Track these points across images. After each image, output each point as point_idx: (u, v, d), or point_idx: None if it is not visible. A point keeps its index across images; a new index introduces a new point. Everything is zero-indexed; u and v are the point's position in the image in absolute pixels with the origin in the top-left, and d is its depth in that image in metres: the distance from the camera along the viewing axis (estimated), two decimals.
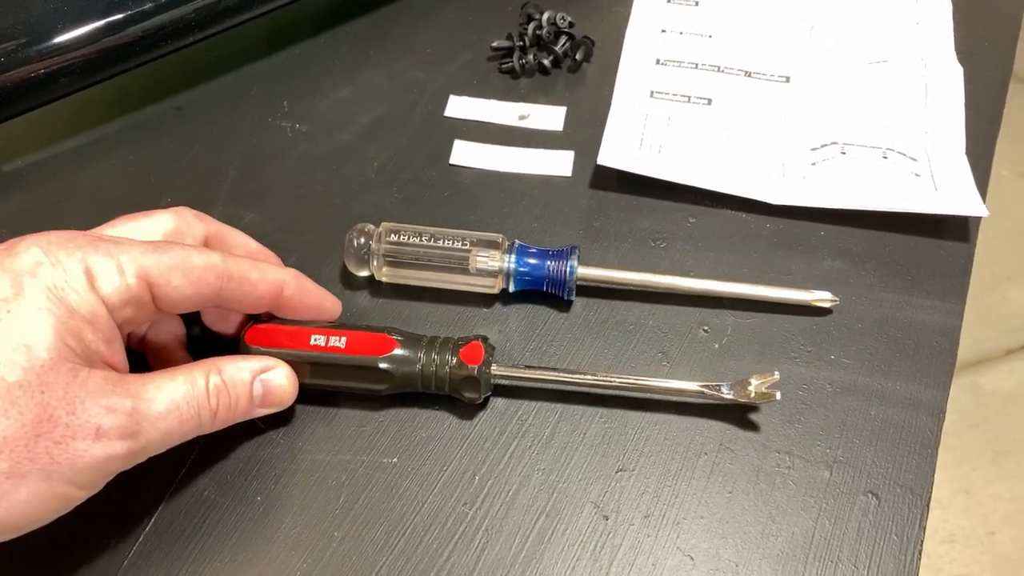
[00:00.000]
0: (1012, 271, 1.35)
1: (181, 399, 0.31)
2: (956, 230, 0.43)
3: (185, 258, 0.32)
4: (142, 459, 0.30)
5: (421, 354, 0.36)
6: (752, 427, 0.37)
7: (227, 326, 0.38)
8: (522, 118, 0.48)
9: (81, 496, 0.29)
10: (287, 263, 0.42)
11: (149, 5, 0.45)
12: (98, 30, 0.44)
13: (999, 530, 1.16)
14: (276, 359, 0.35)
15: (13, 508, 0.27)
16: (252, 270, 0.34)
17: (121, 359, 0.31)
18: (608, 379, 0.36)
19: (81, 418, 0.28)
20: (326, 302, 0.38)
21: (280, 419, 0.37)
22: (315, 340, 0.36)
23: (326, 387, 0.37)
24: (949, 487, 1.17)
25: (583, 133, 0.47)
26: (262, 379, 0.34)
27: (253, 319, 0.38)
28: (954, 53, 0.50)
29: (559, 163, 0.46)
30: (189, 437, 0.32)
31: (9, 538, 0.28)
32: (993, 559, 1.12)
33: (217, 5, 0.47)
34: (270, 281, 0.35)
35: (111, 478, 0.30)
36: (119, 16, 0.45)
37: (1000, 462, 1.22)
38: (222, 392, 0.33)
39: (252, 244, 0.39)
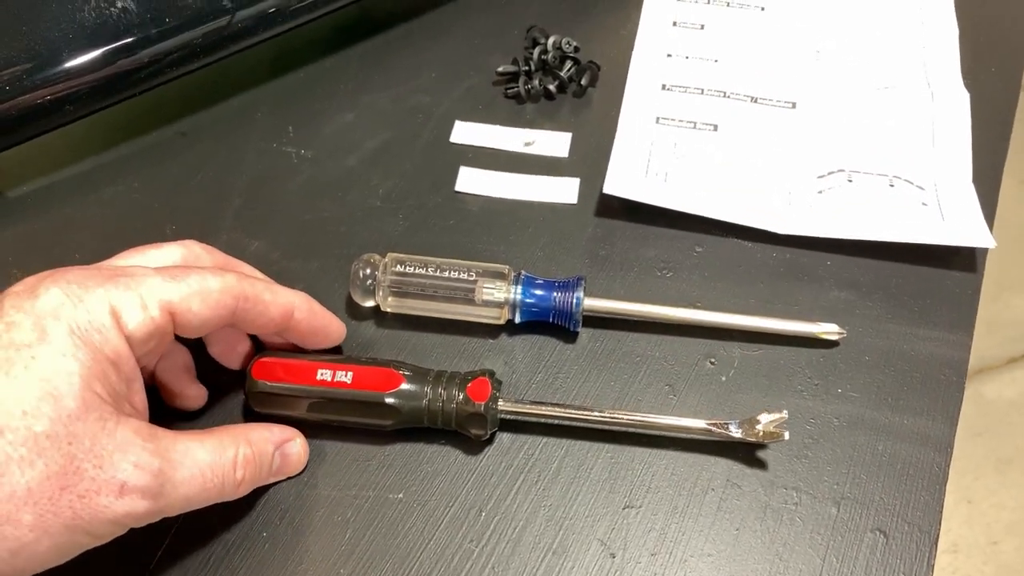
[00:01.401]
0: (1015, 279, 1.35)
1: (207, 467, 0.31)
2: (963, 260, 0.43)
3: (203, 283, 0.32)
4: (157, 519, 0.30)
5: (427, 389, 0.36)
6: (759, 463, 0.37)
7: (233, 358, 0.38)
8: (527, 144, 0.48)
9: (91, 545, 0.29)
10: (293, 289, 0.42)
11: (154, 31, 0.45)
12: (104, 57, 0.44)
13: (1002, 540, 1.16)
14: (293, 430, 0.36)
15: (32, 559, 0.27)
16: (265, 291, 0.34)
17: (141, 398, 0.31)
18: (615, 416, 0.36)
19: (108, 473, 0.28)
20: (333, 325, 0.38)
21: None
22: (321, 375, 0.36)
23: (332, 422, 0.37)
24: (951, 497, 1.16)
25: (589, 159, 0.47)
26: (282, 451, 0.35)
27: (258, 351, 0.38)
28: (960, 78, 0.50)
29: (565, 191, 0.46)
30: (209, 503, 0.32)
31: None
32: (996, 569, 1.12)
33: (223, 31, 0.47)
34: (282, 303, 0.35)
35: (124, 532, 0.29)
36: (124, 42, 0.44)
37: (1003, 471, 1.22)
38: (250, 463, 0.33)
39: (259, 276, 0.39)
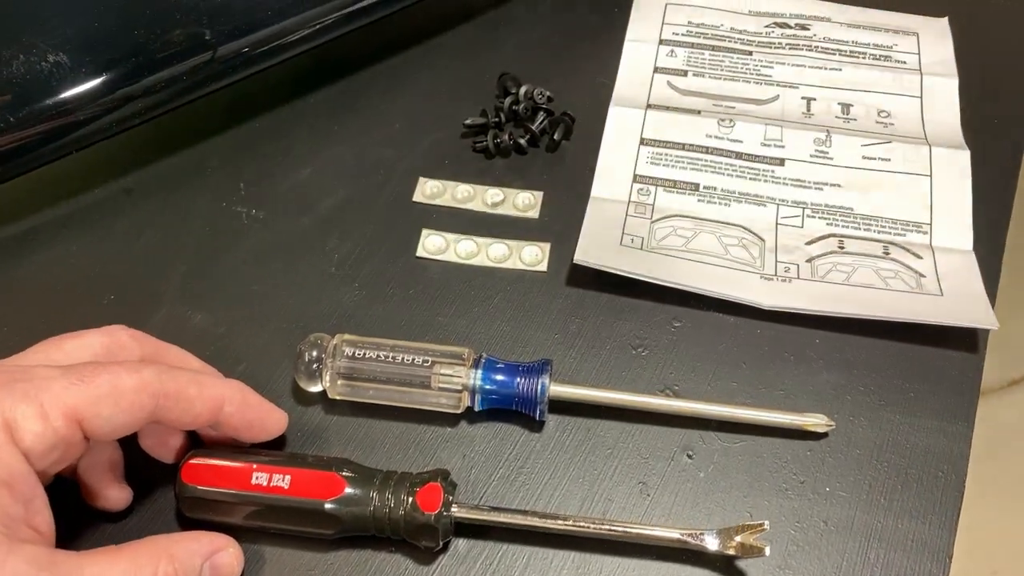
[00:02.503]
0: (1016, 297, 1.31)
1: None
2: (963, 340, 0.39)
3: (114, 384, 0.29)
4: None
5: (374, 494, 0.33)
6: (738, 574, 0.33)
7: (165, 452, 0.35)
8: (495, 205, 0.45)
9: None
10: (236, 370, 0.39)
11: (97, 83, 0.42)
12: (42, 110, 0.41)
13: (1002, 569, 1.13)
14: (224, 537, 0.32)
15: None
16: (190, 385, 0.31)
17: (44, 518, 0.28)
18: (581, 525, 0.33)
19: None
20: (271, 418, 0.35)
21: None
22: (256, 479, 0.33)
23: (269, 530, 0.34)
24: None
25: (561, 221, 0.44)
26: (212, 562, 0.31)
27: (193, 446, 0.35)
28: (961, 133, 0.46)
29: (534, 256, 0.43)
30: None
31: None
32: None
33: (176, 82, 0.43)
34: (208, 397, 0.32)
35: None
36: (67, 95, 0.41)
37: (1004, 497, 1.19)
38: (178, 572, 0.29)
39: (193, 363, 0.35)
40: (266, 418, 0.35)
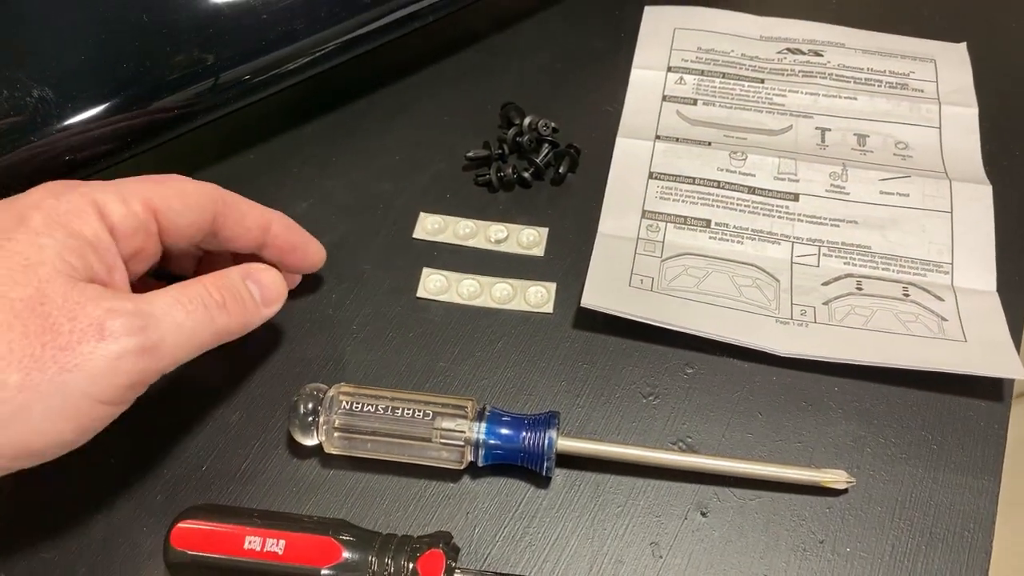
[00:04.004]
0: None
1: (181, 295, 0.31)
2: (988, 388, 0.38)
3: (182, 185, 0.34)
4: (162, 363, 0.30)
5: (372, 558, 0.31)
6: None
7: None
8: (499, 241, 0.43)
9: (104, 413, 0.29)
10: (229, 420, 0.37)
11: (74, 117, 0.40)
12: (27, 143, 0.39)
13: None
14: (258, 263, 0.36)
15: (30, 425, 0.27)
16: (244, 200, 0.36)
17: (124, 288, 0.32)
18: None
19: (83, 322, 0.28)
20: (312, 246, 0.39)
21: None
22: (249, 543, 0.31)
23: None
24: None
25: (566, 259, 0.42)
26: (250, 281, 0.35)
27: (181, 515, 0.33)
28: (981, 166, 0.45)
29: (539, 297, 0.41)
30: (205, 334, 0.32)
31: (36, 463, 0.28)
32: None
33: (169, 112, 0.42)
34: (259, 214, 0.36)
35: (136, 390, 0.29)
36: (38, 122, 0.39)
37: (1012, 514, 1.17)
38: (221, 285, 0.33)
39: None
40: (309, 244, 0.39)
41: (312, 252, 0.39)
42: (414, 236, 0.44)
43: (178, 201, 0.33)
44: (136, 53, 0.40)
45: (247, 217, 0.36)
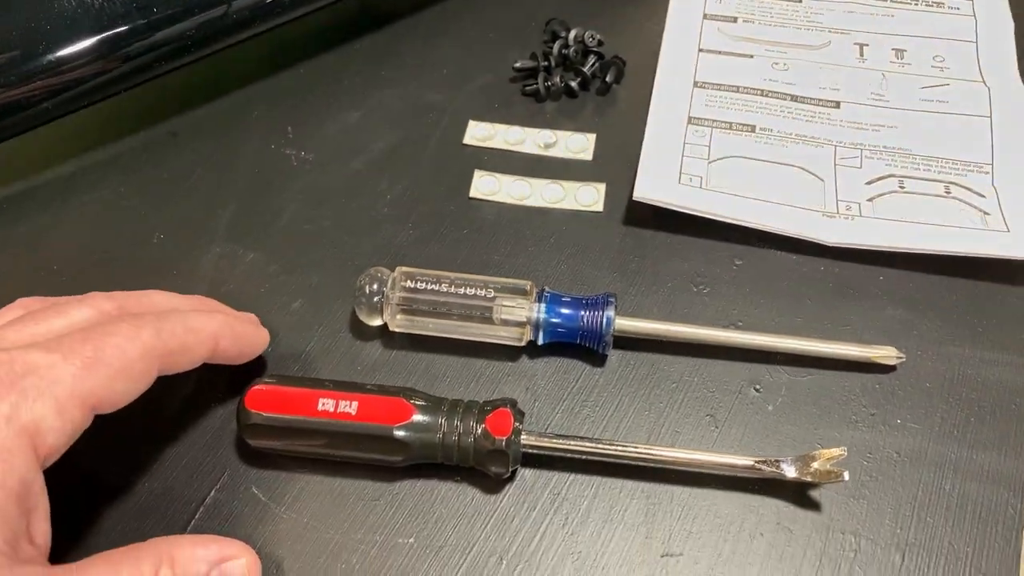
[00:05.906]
0: None
1: None
2: None
3: (122, 358, 0.28)
4: None
5: (442, 421, 0.32)
6: (812, 504, 0.33)
7: None
8: (548, 146, 0.44)
9: None
10: (291, 307, 0.38)
11: (141, 22, 0.41)
12: (87, 50, 0.40)
13: None
14: (240, 545, 0.29)
15: None
16: (187, 335, 0.31)
17: (42, 529, 0.27)
18: (651, 452, 0.32)
19: None
20: (257, 341, 0.35)
21: (283, 490, 0.33)
22: (323, 405, 0.32)
23: (335, 457, 0.33)
24: None
25: (615, 163, 0.43)
26: (220, 570, 0.28)
27: (255, 381, 0.34)
28: (1018, 73, 0.46)
29: (589, 197, 0.42)
30: None
31: None
32: None
33: (220, 21, 0.43)
34: (205, 339, 0.32)
35: None
36: (109, 34, 0.41)
37: None
38: None
39: (177, 301, 0.35)
40: (254, 342, 0.35)
41: (257, 347, 0.35)
42: (464, 142, 0.45)
43: (122, 381, 0.28)
44: None
45: (194, 353, 0.31)
